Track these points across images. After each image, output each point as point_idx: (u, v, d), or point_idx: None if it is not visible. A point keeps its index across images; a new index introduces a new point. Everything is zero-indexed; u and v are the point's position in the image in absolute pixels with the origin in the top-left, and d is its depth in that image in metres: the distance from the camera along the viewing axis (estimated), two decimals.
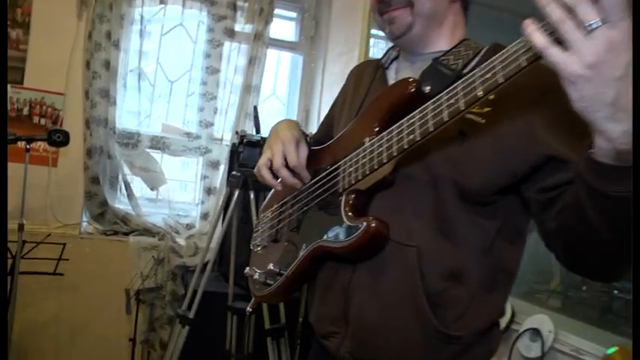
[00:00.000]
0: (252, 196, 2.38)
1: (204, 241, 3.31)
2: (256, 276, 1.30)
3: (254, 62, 3.53)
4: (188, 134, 3.53)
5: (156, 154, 3.51)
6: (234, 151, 2.43)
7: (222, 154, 3.54)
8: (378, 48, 3.60)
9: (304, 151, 1.29)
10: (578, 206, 0.82)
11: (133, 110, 3.44)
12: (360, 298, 1.11)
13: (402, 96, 1.07)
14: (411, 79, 1.07)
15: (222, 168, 3.52)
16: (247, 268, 1.39)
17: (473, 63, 1.10)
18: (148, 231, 3.32)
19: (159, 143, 3.48)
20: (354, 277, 1.12)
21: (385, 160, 1.02)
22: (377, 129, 1.10)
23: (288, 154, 1.23)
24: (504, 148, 1.00)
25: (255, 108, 2.74)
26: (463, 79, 0.87)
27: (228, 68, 3.59)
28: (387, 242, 1.05)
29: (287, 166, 1.24)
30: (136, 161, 3.38)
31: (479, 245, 1.06)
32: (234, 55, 3.61)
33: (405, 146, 0.98)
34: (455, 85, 0.89)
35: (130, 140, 3.38)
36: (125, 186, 3.36)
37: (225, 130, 3.60)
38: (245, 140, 2.42)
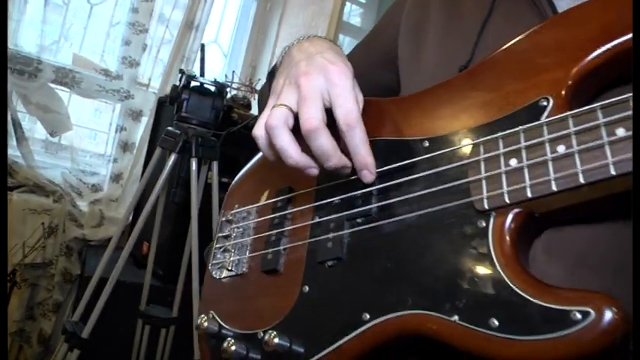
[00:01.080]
0: (194, 166, 1.69)
1: (112, 210, 2.64)
2: (230, 344, 0.68)
3: None
4: (106, 72, 2.79)
5: (63, 93, 2.74)
6: (173, 98, 1.72)
7: (146, 102, 2.86)
8: (353, 13, 3.03)
9: (361, 103, 0.67)
10: None
11: (35, 29, 2.65)
12: None
13: None
14: None
15: (145, 121, 2.82)
16: (201, 318, 0.75)
17: None
18: (40, 188, 2.56)
19: (66, 77, 2.71)
20: None
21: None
22: (572, 84, 0.53)
23: (341, 103, 0.61)
24: None
25: (202, 47, 2.07)
26: None
27: None
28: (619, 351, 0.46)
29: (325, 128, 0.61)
30: (33, 96, 2.61)
31: None
32: None
33: None
34: None
35: (27, 68, 2.59)
36: (14, 126, 2.57)
37: (153, 75, 2.91)
38: (191, 84, 1.72)
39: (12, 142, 2.60)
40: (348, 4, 3.01)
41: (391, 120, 0.69)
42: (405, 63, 0.83)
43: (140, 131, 2.84)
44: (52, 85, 2.70)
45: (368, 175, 0.64)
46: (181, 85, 1.72)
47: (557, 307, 0.45)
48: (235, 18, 3.41)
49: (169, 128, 1.73)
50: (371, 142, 0.65)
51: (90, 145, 3.05)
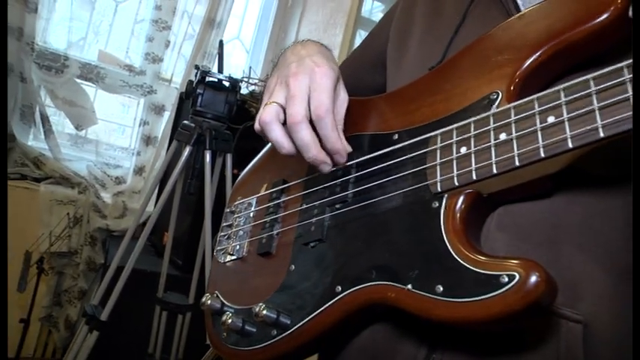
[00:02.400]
0: (207, 158, 1.75)
1: (134, 202, 2.72)
2: (227, 317, 0.75)
3: None
4: (129, 67, 2.88)
5: (89, 88, 2.84)
6: (188, 93, 1.79)
7: (168, 97, 2.93)
8: (374, 7, 3.05)
9: (344, 102, 0.73)
10: None
11: (62, 26, 2.75)
12: None
13: (590, 21, 0.54)
14: None
15: (167, 115, 2.89)
16: (205, 297, 0.83)
17: None
18: (66, 180, 2.67)
19: (91, 73, 2.80)
20: None
21: (570, 146, 0.50)
22: (520, 79, 0.58)
23: (315, 96, 0.67)
24: None
25: (221, 43, 2.13)
26: None
27: None
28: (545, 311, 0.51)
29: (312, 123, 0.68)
30: (59, 91, 2.71)
31: None
32: None
33: (623, 128, 0.47)
34: None
35: (55, 64, 2.70)
36: (42, 120, 2.67)
37: (176, 70, 2.99)
38: (207, 79, 1.78)
39: (40, 135, 2.71)
40: (369, 0, 3.04)
41: (369, 117, 0.76)
42: (390, 65, 0.88)
43: (162, 125, 2.92)
44: (78, 81, 2.80)
45: (339, 158, 0.69)
46: (196, 80, 1.78)
47: (490, 272, 0.51)
48: (257, 15, 3.47)
49: (185, 122, 1.79)
50: (352, 136, 0.73)
51: (115, 139, 3.15)
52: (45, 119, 2.67)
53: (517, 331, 0.56)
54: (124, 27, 3.03)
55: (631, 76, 0.49)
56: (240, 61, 3.43)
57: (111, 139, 3.12)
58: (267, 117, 0.68)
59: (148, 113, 2.92)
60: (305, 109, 0.67)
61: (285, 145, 0.68)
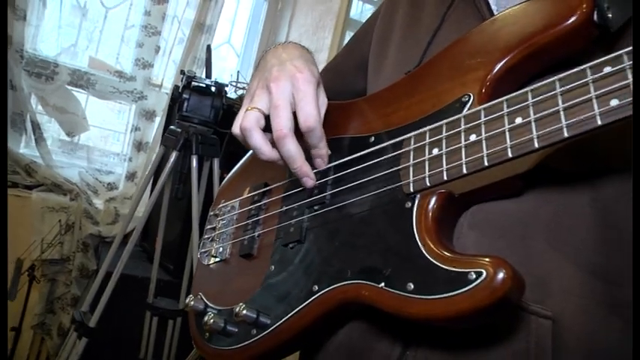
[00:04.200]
0: (194, 163, 1.75)
1: (126, 208, 2.72)
2: (209, 318, 0.75)
3: None
4: (119, 73, 2.87)
5: (81, 95, 2.83)
6: (174, 98, 1.79)
7: (159, 103, 2.93)
8: (364, 9, 3.05)
9: (323, 105, 0.75)
10: None
11: (52, 33, 2.74)
12: None
13: (558, 25, 0.55)
14: None
15: (158, 120, 2.89)
16: (189, 298, 0.84)
17: None
18: (57, 187, 2.66)
19: (81, 80, 2.80)
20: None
21: (536, 146, 0.51)
22: (490, 82, 0.60)
23: (302, 107, 0.69)
24: None
25: (209, 48, 2.14)
26: None
27: (180, 0, 2.95)
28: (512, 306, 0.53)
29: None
30: (50, 98, 2.71)
31: None
32: None
33: (599, 123, 0.48)
34: None
35: (44, 71, 2.69)
36: (33, 127, 2.67)
37: (166, 75, 2.98)
38: (192, 84, 1.78)
39: (31, 142, 2.70)
40: (358, 3, 3.05)
41: (348, 120, 0.78)
42: (370, 71, 0.89)
43: (154, 131, 2.91)
44: (69, 88, 2.79)
45: (321, 162, 0.72)
46: (182, 85, 1.78)
47: (458, 270, 0.52)
48: (247, 19, 3.47)
49: (171, 127, 1.79)
50: (331, 139, 0.74)
51: (108, 145, 3.14)
52: (36, 127, 2.67)
53: (488, 327, 0.57)
54: (115, 33, 3.02)
55: (593, 76, 0.49)
56: (231, 65, 3.43)
57: (106, 145, 3.11)
58: (248, 124, 0.70)
59: (138, 119, 2.92)
60: (290, 119, 0.69)
61: (265, 151, 0.70)
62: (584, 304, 0.57)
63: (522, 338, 0.56)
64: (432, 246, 0.56)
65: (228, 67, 3.41)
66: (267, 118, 0.71)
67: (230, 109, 2.00)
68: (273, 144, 0.70)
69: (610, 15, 0.55)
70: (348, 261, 0.64)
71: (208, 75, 2.00)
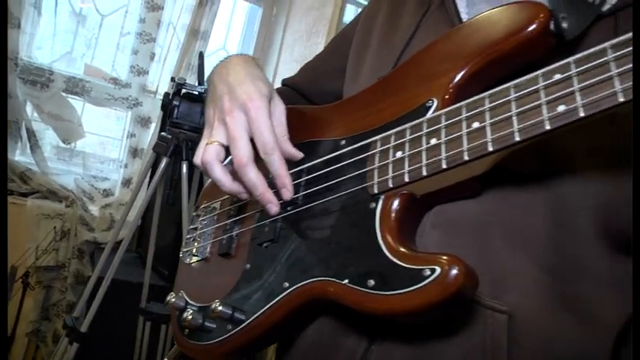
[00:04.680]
0: (184, 169, 1.76)
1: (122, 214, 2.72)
2: (188, 314, 0.79)
3: (205, 3, 2.91)
4: (115, 80, 2.89)
5: (77, 102, 2.85)
6: (165, 105, 1.81)
7: (154, 109, 2.95)
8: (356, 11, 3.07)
9: (281, 114, 0.78)
10: None
11: (47, 41, 2.77)
12: None
13: (518, 33, 0.58)
14: (539, 4, 0.58)
15: (153, 127, 2.91)
16: (170, 295, 0.88)
17: None
18: (53, 194, 2.67)
19: (76, 87, 2.82)
20: (374, 354, 0.65)
21: (489, 149, 0.54)
22: (454, 88, 0.62)
23: (258, 136, 0.72)
24: None
25: (201, 54, 2.15)
26: None
27: (174, 6, 2.98)
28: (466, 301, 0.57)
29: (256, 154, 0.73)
30: (45, 105, 2.72)
31: (619, 326, 0.59)
32: None
33: (547, 127, 0.50)
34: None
35: (39, 78, 2.71)
36: (28, 135, 2.68)
37: (161, 82, 3.01)
38: (183, 91, 1.80)
39: (26, 150, 2.72)
40: (352, 7, 3.07)
41: (321, 124, 0.81)
42: (348, 74, 0.92)
43: (149, 137, 2.93)
44: (64, 95, 2.81)
45: (287, 192, 0.74)
46: (172, 92, 1.80)
47: (415, 267, 0.56)
48: (242, 25, 3.50)
49: (162, 133, 1.81)
50: (305, 143, 0.78)
51: (104, 152, 3.16)
52: (31, 134, 2.68)
53: (448, 322, 0.60)
54: (110, 40, 3.04)
55: (544, 83, 0.51)
56: None
57: (103, 152, 3.13)
58: (208, 157, 0.74)
59: (134, 125, 2.94)
60: (248, 150, 0.72)
61: (225, 183, 0.74)
62: (538, 300, 0.59)
63: (479, 332, 0.59)
64: (392, 244, 0.59)
65: None
66: (227, 148, 0.74)
67: None
68: (235, 174, 0.73)
69: (565, 25, 0.57)
70: (316, 259, 0.68)
71: (201, 81, 2.01)
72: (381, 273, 0.58)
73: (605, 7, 0.63)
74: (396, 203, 0.62)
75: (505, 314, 0.58)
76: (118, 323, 2.04)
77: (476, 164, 0.56)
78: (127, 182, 2.90)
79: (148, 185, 1.94)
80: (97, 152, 3.09)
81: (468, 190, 0.62)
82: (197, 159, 0.77)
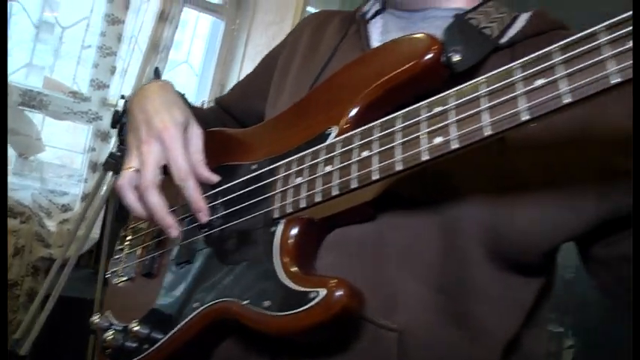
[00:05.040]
0: None
1: (80, 229, 2.69)
2: (109, 334, 0.81)
3: (166, 17, 2.91)
4: (74, 94, 2.86)
5: (37, 116, 2.82)
6: (114, 122, 1.80)
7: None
8: None
9: (198, 139, 0.79)
10: None
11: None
12: None
13: (411, 64, 0.62)
14: (431, 38, 0.62)
15: (113, 141, 2.88)
16: (95, 315, 0.89)
17: (512, 31, 0.71)
18: (8, 210, 2.62)
19: (34, 100, 2.78)
20: None
21: (374, 178, 0.57)
22: (353, 115, 0.65)
23: (172, 165, 0.74)
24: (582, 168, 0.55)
25: (157, 70, 2.15)
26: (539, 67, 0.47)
27: (136, 20, 2.97)
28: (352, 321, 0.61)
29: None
30: None
31: (505, 336, 0.64)
32: (144, 6, 3.00)
33: (424, 158, 0.53)
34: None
35: None
36: None
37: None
38: None
39: None
40: None
41: (238, 147, 0.83)
42: (270, 97, 0.94)
43: (108, 151, 2.89)
44: (22, 108, 2.77)
45: (202, 216, 0.76)
46: (123, 109, 1.79)
47: (303, 289, 0.59)
48: (205, 39, 3.50)
49: (112, 151, 1.81)
50: (220, 167, 0.80)
51: (64, 166, 3.12)
52: None
53: (344, 339, 0.63)
54: (71, 53, 3.02)
55: (427, 114, 0.53)
56: (190, 85, 3.45)
57: (59, 165, 3.09)
58: (122, 182, 0.76)
59: (94, 139, 2.91)
60: (155, 175, 0.74)
61: (135, 208, 0.76)
62: (426, 317, 0.63)
63: (371, 349, 0.62)
64: (288, 267, 0.62)
65: (186, 86, 3.43)
66: None
67: None
68: None
69: (457, 58, 0.60)
70: (224, 280, 0.71)
71: None
72: (275, 294, 0.62)
73: (503, 40, 0.67)
74: (294, 227, 0.65)
75: (395, 332, 0.62)
76: (68, 343, 2.01)
77: (365, 191, 0.59)
78: (86, 197, 2.86)
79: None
80: (57, 166, 3.06)
81: (361, 214, 0.64)
82: (116, 185, 0.79)
